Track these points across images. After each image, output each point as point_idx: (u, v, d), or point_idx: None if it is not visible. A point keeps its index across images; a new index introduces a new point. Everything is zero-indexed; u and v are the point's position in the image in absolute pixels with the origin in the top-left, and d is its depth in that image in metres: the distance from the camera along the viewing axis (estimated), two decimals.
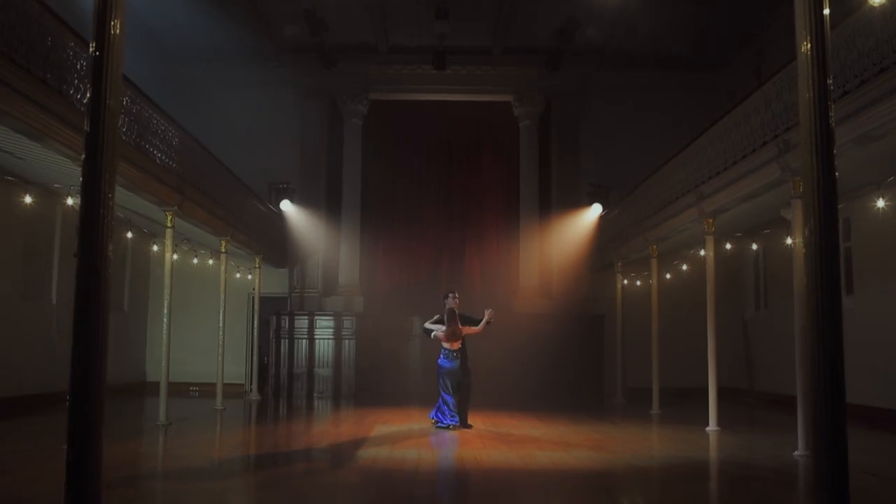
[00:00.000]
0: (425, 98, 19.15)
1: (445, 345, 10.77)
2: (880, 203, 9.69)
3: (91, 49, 2.78)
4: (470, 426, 10.81)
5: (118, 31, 2.76)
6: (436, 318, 11.13)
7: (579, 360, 17.69)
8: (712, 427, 10.84)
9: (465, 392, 10.89)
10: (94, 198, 2.75)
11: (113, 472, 7.11)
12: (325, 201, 18.89)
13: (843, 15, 7.27)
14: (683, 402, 15.36)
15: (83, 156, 2.85)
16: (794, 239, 8.85)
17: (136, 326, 18.03)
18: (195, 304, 17.65)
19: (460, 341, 10.77)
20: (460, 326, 10.72)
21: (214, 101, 18.22)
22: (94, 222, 2.75)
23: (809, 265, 2.82)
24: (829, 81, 2.90)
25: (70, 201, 10.50)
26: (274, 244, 17.91)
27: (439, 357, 10.88)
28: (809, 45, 2.88)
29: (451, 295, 11.18)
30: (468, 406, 11.01)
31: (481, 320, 10.84)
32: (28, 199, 11.02)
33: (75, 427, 2.74)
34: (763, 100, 9.49)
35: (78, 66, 7.99)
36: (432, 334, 10.99)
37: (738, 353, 17.24)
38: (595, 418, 12.94)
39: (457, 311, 10.89)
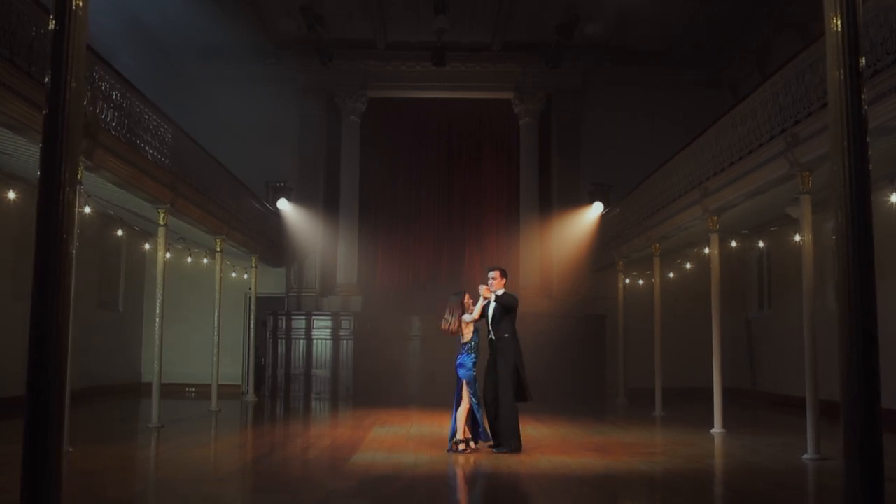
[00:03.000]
0: (424, 95, 18.97)
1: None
2: (894, 198, 9.45)
3: (51, 23, 2.54)
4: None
5: (81, 1, 2.52)
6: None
7: (580, 360, 17.49)
8: (717, 429, 10.62)
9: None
10: (52, 190, 2.50)
11: (96, 475, 6.90)
12: (323, 200, 18.69)
13: None
14: (686, 404, 15.14)
15: (40, 143, 2.61)
16: (802, 236, 8.62)
17: (131, 326, 17.79)
18: (191, 303, 17.43)
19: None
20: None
21: (211, 99, 18.00)
22: (52, 217, 2.51)
23: (840, 257, 2.62)
24: (862, 60, 2.69)
25: None
26: (271, 243, 17.70)
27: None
28: (839, 22, 2.66)
29: (488, 273, 8.88)
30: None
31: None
32: (18, 196, 10.77)
33: (32, 435, 2.50)
34: (770, 92, 9.26)
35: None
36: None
37: (742, 353, 17.02)
38: (597, 420, 12.71)
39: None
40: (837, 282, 2.79)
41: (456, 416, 8.40)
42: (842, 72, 2.67)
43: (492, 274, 8.78)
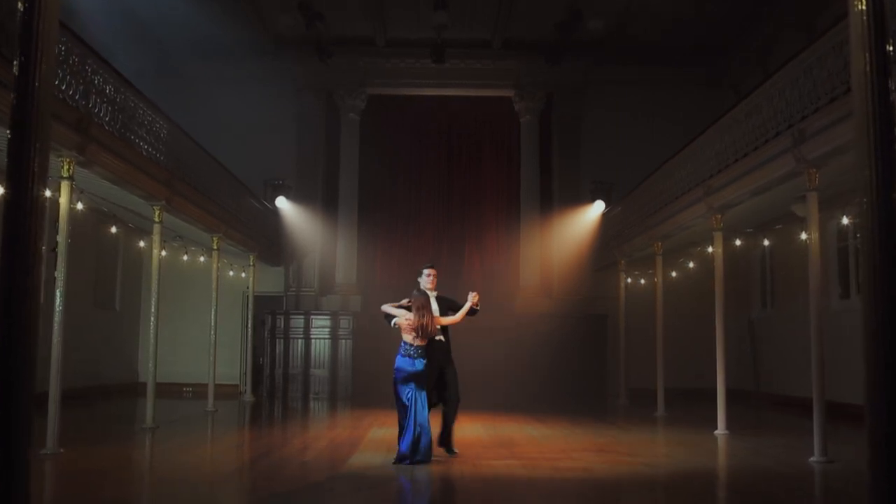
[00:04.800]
0: (424, 93, 18.82)
1: (407, 338, 7.76)
2: None
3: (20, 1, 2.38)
4: (454, 452, 8.04)
5: None
6: (404, 301, 8.01)
7: (581, 360, 17.35)
8: (721, 430, 10.46)
9: (448, 405, 7.96)
10: (21, 181, 2.35)
11: (90, 475, 6.76)
12: (322, 198, 18.54)
13: None
14: (688, 404, 14.99)
15: (8, 132, 2.45)
16: (808, 234, 8.46)
17: (128, 325, 17.63)
18: (188, 302, 17.29)
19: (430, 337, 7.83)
20: (434, 317, 7.84)
21: (209, 97, 17.84)
22: (20, 210, 2.35)
23: (865, 249, 2.49)
24: (890, 47, 2.55)
25: (48, 193, 10.09)
26: (269, 242, 17.54)
27: (397, 355, 7.81)
28: (864, 4, 2.52)
29: (425, 270, 8.24)
30: (451, 425, 8.09)
31: (462, 306, 8.03)
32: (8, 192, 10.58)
33: None
34: (776, 88, 9.09)
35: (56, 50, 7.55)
36: (393, 321, 7.94)
37: (745, 353, 16.86)
38: (598, 420, 12.56)
39: (432, 296, 8.08)
40: (862, 275, 2.65)
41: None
42: (867, 55, 2.54)
43: (432, 271, 8.23)
